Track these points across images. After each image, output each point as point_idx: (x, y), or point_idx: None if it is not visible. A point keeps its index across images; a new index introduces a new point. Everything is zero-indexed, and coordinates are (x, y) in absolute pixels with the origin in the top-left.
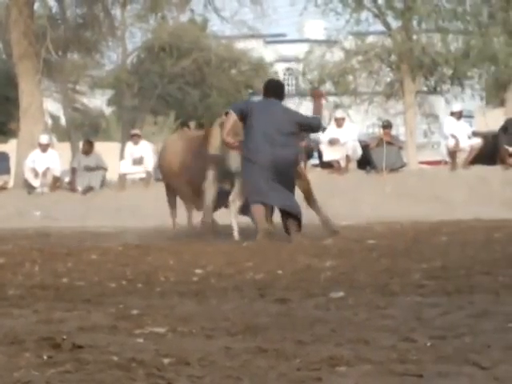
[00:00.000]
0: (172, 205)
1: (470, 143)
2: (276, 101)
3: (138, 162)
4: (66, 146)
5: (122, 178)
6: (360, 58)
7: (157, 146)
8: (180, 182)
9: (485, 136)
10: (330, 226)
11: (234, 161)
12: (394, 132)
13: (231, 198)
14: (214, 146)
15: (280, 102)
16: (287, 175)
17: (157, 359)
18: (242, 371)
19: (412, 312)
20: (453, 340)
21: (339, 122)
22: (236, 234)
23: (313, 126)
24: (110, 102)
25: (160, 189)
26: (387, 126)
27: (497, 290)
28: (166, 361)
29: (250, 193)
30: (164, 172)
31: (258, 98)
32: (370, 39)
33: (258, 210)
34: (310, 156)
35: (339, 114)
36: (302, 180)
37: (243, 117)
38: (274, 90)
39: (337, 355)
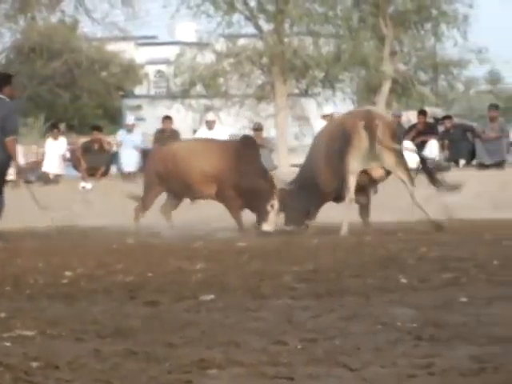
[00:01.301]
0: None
1: None
2: None
3: None
4: None
5: None
6: (231, 60)
7: (26, 148)
8: None
9: None
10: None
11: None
12: (265, 134)
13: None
14: (359, 149)
15: None
16: None
17: (25, 363)
18: (112, 374)
19: (283, 315)
20: (323, 342)
21: (210, 125)
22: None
23: (7, 129)
24: None
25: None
26: (258, 128)
27: (367, 292)
28: (34, 364)
29: None
30: None
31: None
32: (242, 42)
33: None
34: None
35: (210, 116)
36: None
37: None
38: None
39: (208, 358)
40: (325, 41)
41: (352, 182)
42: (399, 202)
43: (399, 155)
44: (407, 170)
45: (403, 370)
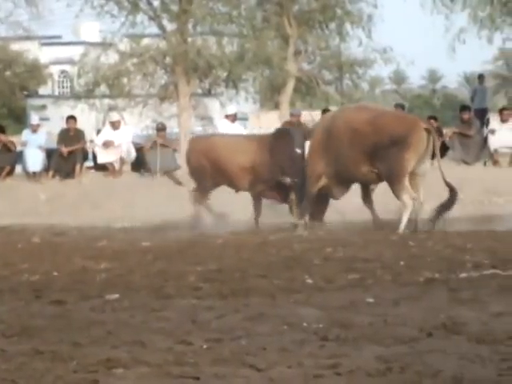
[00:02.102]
0: None
1: None
2: None
3: None
4: None
5: None
6: (135, 60)
7: None
8: None
9: None
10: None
11: None
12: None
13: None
14: (417, 150)
15: None
16: None
17: None
18: (17, 374)
19: (188, 315)
20: (229, 342)
21: (115, 125)
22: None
23: None
24: None
25: None
26: (161, 128)
27: (272, 292)
28: None
29: None
30: None
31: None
32: (145, 42)
33: None
34: (85, 158)
35: (114, 116)
36: None
37: None
38: None
39: (113, 357)
40: (228, 40)
41: (407, 181)
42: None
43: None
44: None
45: (310, 371)
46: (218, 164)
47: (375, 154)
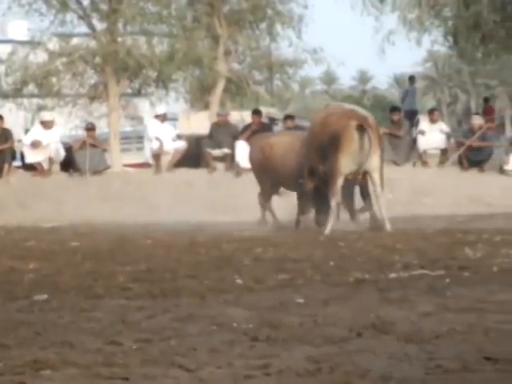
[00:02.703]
0: None
1: (174, 146)
2: None
3: None
4: None
5: None
6: (64, 59)
7: None
8: None
9: (189, 139)
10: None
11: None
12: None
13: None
14: (348, 149)
15: None
16: None
17: None
18: None
19: (117, 315)
20: (159, 343)
21: (47, 125)
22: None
23: None
24: None
25: None
26: (91, 128)
27: (202, 293)
28: None
29: None
30: None
31: None
32: (75, 41)
33: None
34: (12, 158)
35: (47, 116)
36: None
37: None
38: None
39: (41, 359)
40: (158, 40)
41: (340, 183)
42: (236, 202)
43: (380, 158)
44: (382, 173)
45: (239, 371)
46: (274, 165)
47: (323, 153)
